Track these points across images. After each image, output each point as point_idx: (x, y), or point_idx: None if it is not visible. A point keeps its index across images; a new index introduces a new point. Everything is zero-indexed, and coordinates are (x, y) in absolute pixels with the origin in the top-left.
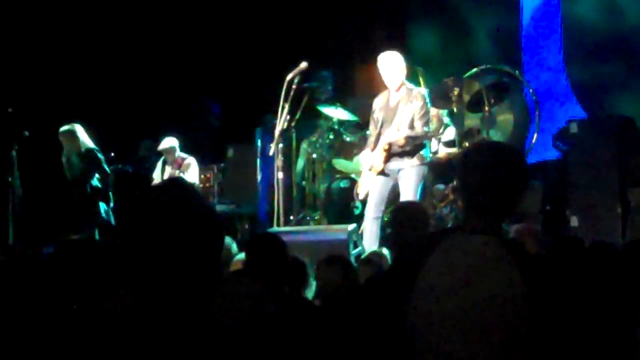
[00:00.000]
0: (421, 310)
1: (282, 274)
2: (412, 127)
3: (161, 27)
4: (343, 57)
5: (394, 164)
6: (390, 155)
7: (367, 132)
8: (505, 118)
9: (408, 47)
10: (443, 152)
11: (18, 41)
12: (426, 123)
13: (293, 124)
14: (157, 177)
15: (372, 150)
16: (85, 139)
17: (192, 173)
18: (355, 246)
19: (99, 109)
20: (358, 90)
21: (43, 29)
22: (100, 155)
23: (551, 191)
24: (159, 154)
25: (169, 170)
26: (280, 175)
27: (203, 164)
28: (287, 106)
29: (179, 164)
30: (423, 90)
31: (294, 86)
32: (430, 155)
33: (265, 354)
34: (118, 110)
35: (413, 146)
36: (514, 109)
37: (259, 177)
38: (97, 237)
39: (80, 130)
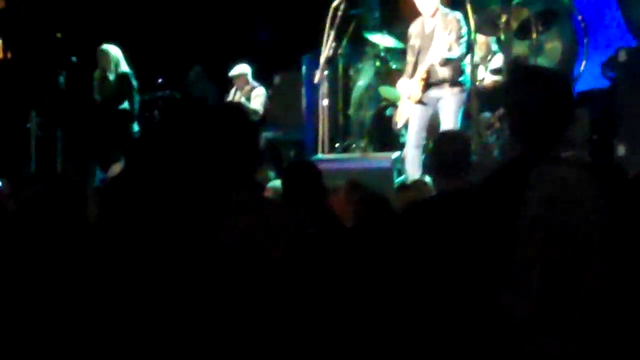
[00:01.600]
0: (530, 242)
1: (318, 201)
2: (448, 48)
3: None
4: None
5: (433, 92)
6: (428, 83)
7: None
8: (554, 46)
9: None
10: (490, 79)
11: None
12: (462, 46)
13: (339, 51)
14: None
15: (410, 78)
16: (122, 61)
17: (255, 102)
18: (399, 174)
19: (149, 35)
20: (405, 17)
21: None
22: (134, 81)
23: (599, 120)
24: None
25: (237, 98)
26: (326, 102)
27: None
28: (332, 33)
29: (248, 92)
30: (458, 14)
31: (339, 13)
32: (472, 81)
33: (305, 276)
34: (167, 35)
35: (451, 72)
36: (562, 37)
37: (304, 104)
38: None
39: (118, 52)
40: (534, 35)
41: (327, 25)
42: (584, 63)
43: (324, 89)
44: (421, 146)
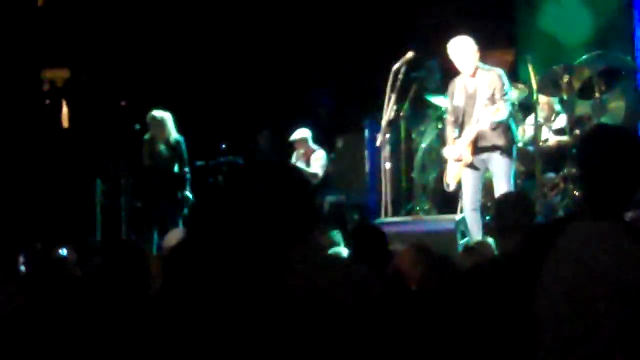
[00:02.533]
0: (549, 300)
1: (384, 263)
2: (493, 104)
3: (274, 20)
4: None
5: (483, 154)
6: (477, 146)
7: (447, 119)
8: (617, 105)
9: (516, 34)
10: (554, 140)
11: (132, 33)
12: (507, 101)
13: (401, 114)
14: None
15: (453, 140)
16: (172, 128)
17: (315, 165)
18: (463, 236)
19: (212, 101)
20: None
21: (158, 20)
22: (184, 147)
23: None
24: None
25: (298, 161)
26: (388, 165)
27: None
28: (393, 96)
29: (308, 156)
30: (499, 70)
31: (400, 76)
32: (535, 141)
33: (367, 338)
34: (230, 101)
35: (500, 134)
36: (625, 96)
37: (367, 168)
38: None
39: (170, 118)
40: (597, 95)
41: (389, 89)
42: None
43: (386, 152)
44: (478, 209)
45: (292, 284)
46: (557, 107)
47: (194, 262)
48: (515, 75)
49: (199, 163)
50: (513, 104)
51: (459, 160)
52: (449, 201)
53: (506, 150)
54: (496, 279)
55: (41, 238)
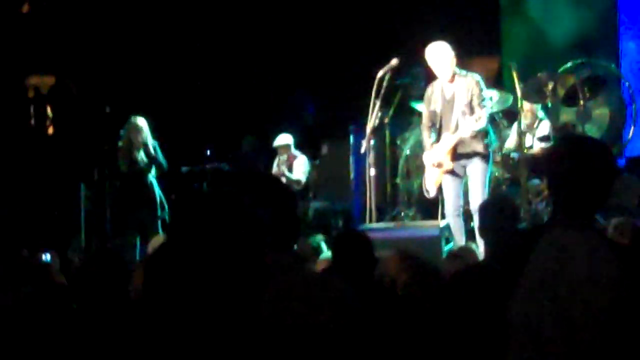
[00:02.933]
0: (524, 307)
1: (370, 270)
2: (471, 111)
3: (256, 24)
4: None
5: (462, 160)
6: (456, 153)
7: (423, 123)
8: (601, 112)
9: (501, 41)
10: (537, 147)
11: (116, 40)
12: (485, 109)
13: (386, 120)
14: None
15: (431, 145)
16: (149, 133)
17: (297, 170)
18: (448, 242)
19: (197, 107)
20: None
21: (142, 26)
22: (160, 152)
23: None
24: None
25: (280, 167)
26: (373, 171)
27: None
28: (378, 103)
29: (290, 162)
30: (477, 76)
31: (384, 83)
32: (520, 148)
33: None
34: (215, 107)
35: (479, 140)
36: (609, 103)
37: (352, 174)
38: (160, 232)
39: (145, 124)
40: (581, 102)
41: (373, 95)
42: (632, 129)
43: (370, 158)
44: (461, 214)
45: (267, 300)
46: (540, 114)
47: (172, 269)
48: (499, 82)
49: (184, 169)
50: (497, 113)
51: (438, 166)
52: (433, 207)
53: (484, 156)
54: (477, 284)
55: (25, 243)
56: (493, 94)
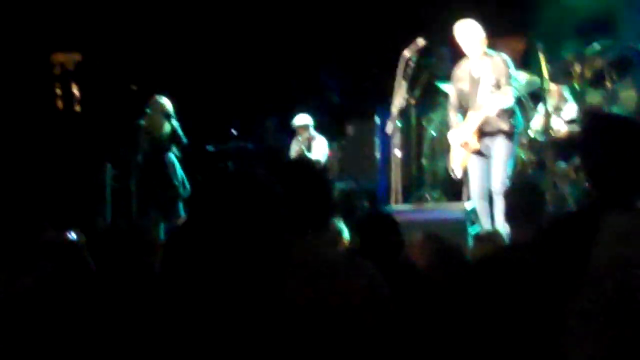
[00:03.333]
0: (593, 295)
1: (397, 252)
2: (498, 89)
3: (286, 6)
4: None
5: (487, 140)
6: (482, 132)
7: (450, 102)
8: (629, 94)
9: (527, 21)
10: (565, 129)
11: (143, 18)
12: (513, 89)
13: (412, 101)
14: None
15: (459, 125)
16: (171, 112)
17: (317, 151)
18: (473, 224)
19: (223, 87)
20: None
21: (168, 5)
22: (180, 131)
23: None
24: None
25: (298, 147)
26: (398, 152)
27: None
28: (404, 84)
29: (309, 142)
30: (505, 56)
31: (411, 63)
32: (546, 130)
33: (375, 338)
34: (241, 87)
35: (505, 120)
36: (637, 85)
37: (378, 155)
38: (182, 212)
39: (169, 103)
40: (608, 84)
41: (399, 76)
42: None
43: (396, 139)
44: (486, 196)
45: (293, 287)
46: (567, 95)
47: (192, 249)
48: (526, 63)
49: (209, 148)
50: (523, 95)
51: (464, 146)
52: (459, 189)
53: (509, 135)
54: (506, 269)
55: (51, 222)
56: (520, 75)
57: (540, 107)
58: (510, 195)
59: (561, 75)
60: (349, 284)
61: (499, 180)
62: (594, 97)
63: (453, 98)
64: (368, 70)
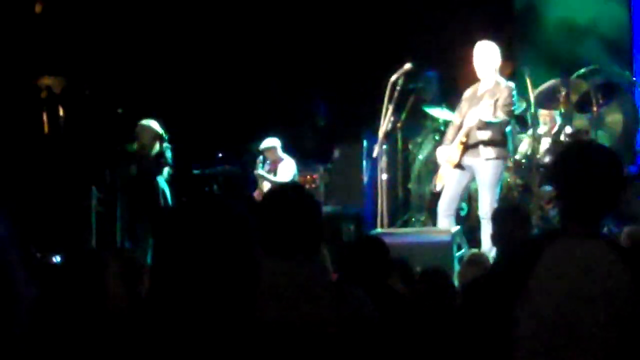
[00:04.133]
0: (531, 314)
1: (386, 276)
2: (494, 110)
3: (270, 27)
4: (448, 57)
5: (470, 158)
6: (467, 147)
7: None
8: (614, 119)
9: (513, 47)
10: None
11: (129, 41)
12: (509, 113)
13: (399, 125)
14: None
15: (450, 142)
16: (161, 136)
17: (282, 174)
18: (459, 248)
19: (209, 110)
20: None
21: (154, 29)
22: (169, 153)
23: None
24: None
25: (265, 170)
26: (385, 176)
27: (308, 164)
28: (391, 107)
29: (276, 165)
30: (512, 84)
31: (398, 87)
32: (533, 154)
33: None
34: (227, 110)
35: (490, 137)
36: (623, 110)
37: (365, 178)
38: None
39: (157, 126)
40: (594, 109)
41: (386, 99)
42: None
43: (383, 163)
44: (452, 216)
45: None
46: (559, 119)
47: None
48: None
49: (195, 171)
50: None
51: (448, 159)
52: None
53: (495, 159)
54: (489, 292)
55: (36, 245)
56: None
57: (529, 131)
58: (496, 218)
59: (547, 99)
60: (334, 309)
61: (487, 205)
62: (580, 121)
63: (455, 116)
64: (355, 95)
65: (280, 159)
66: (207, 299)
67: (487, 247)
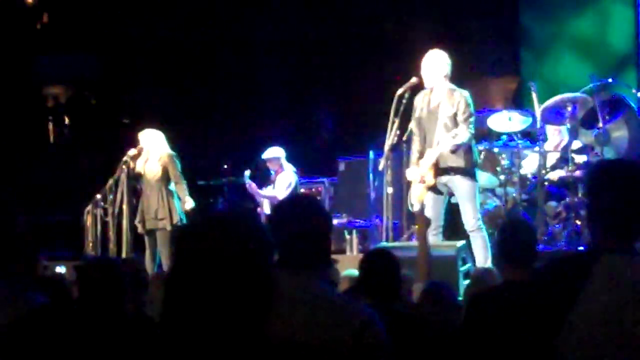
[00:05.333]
0: (577, 336)
1: (395, 290)
2: (454, 125)
3: (278, 39)
4: (454, 72)
5: (445, 176)
6: (438, 168)
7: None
8: (620, 134)
9: (521, 62)
10: (562, 167)
11: (136, 52)
12: (470, 125)
13: (404, 138)
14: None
15: (418, 154)
16: (164, 144)
17: (279, 186)
18: (464, 262)
19: (214, 121)
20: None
21: (162, 42)
22: (178, 161)
23: None
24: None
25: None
26: (390, 190)
27: (314, 177)
28: (397, 121)
29: (277, 175)
30: (465, 92)
31: (404, 101)
32: (539, 170)
33: None
34: (233, 122)
35: (461, 157)
36: (628, 126)
37: (370, 192)
38: None
39: (161, 136)
40: (600, 125)
41: (392, 113)
42: None
43: (388, 176)
44: (440, 234)
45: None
46: (567, 134)
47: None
48: (519, 102)
49: (200, 182)
50: (515, 133)
51: (421, 182)
52: (450, 227)
53: (468, 172)
54: (501, 307)
55: (41, 254)
56: (512, 115)
57: (536, 146)
58: (502, 234)
59: (553, 115)
60: (342, 323)
61: (471, 218)
62: (586, 137)
63: (415, 129)
64: (361, 108)
65: (282, 170)
66: (222, 315)
67: (482, 260)
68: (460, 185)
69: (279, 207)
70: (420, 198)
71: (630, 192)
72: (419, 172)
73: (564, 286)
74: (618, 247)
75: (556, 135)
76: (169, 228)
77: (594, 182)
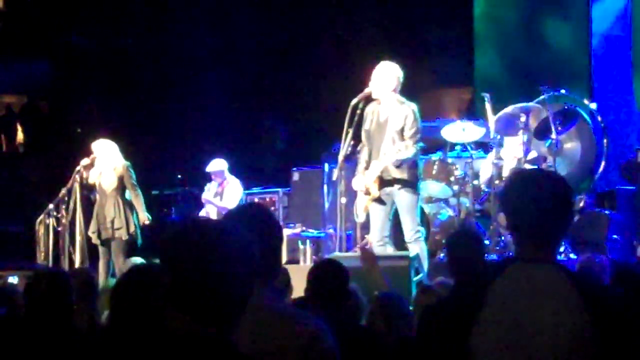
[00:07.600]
0: (485, 340)
1: (343, 301)
2: (401, 138)
3: (229, 50)
4: (408, 82)
5: (388, 187)
6: (383, 180)
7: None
8: (573, 145)
9: (474, 73)
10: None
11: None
12: (417, 140)
13: (358, 148)
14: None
15: (365, 169)
16: (118, 154)
17: (228, 196)
18: (417, 273)
19: (168, 131)
20: (423, 115)
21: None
22: (133, 172)
23: (620, 220)
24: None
25: (212, 191)
26: (344, 200)
27: (268, 186)
28: (351, 131)
29: (223, 188)
30: (414, 105)
31: (358, 111)
32: (492, 181)
33: None
34: (187, 132)
35: (405, 170)
36: (581, 137)
37: (324, 202)
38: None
39: (115, 146)
40: (553, 135)
41: (346, 123)
42: (603, 163)
43: (342, 186)
44: (387, 244)
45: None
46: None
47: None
48: (472, 113)
49: (154, 192)
50: (469, 143)
51: (366, 193)
52: (404, 237)
53: (410, 186)
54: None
55: None
56: (466, 125)
57: (488, 156)
58: (450, 243)
59: (507, 125)
60: (291, 334)
61: (409, 230)
62: (540, 148)
63: (363, 138)
64: (315, 118)
65: (228, 182)
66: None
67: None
68: (401, 198)
69: (228, 215)
70: (365, 209)
71: (544, 202)
72: (364, 183)
73: (472, 298)
74: (535, 256)
75: (517, 145)
76: (125, 237)
77: (508, 194)
